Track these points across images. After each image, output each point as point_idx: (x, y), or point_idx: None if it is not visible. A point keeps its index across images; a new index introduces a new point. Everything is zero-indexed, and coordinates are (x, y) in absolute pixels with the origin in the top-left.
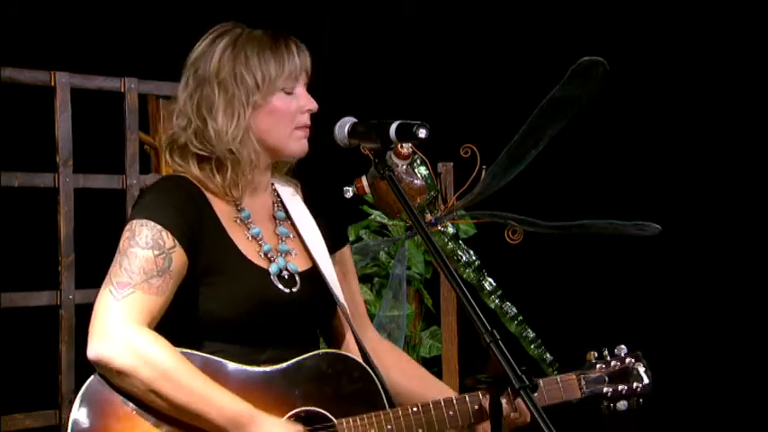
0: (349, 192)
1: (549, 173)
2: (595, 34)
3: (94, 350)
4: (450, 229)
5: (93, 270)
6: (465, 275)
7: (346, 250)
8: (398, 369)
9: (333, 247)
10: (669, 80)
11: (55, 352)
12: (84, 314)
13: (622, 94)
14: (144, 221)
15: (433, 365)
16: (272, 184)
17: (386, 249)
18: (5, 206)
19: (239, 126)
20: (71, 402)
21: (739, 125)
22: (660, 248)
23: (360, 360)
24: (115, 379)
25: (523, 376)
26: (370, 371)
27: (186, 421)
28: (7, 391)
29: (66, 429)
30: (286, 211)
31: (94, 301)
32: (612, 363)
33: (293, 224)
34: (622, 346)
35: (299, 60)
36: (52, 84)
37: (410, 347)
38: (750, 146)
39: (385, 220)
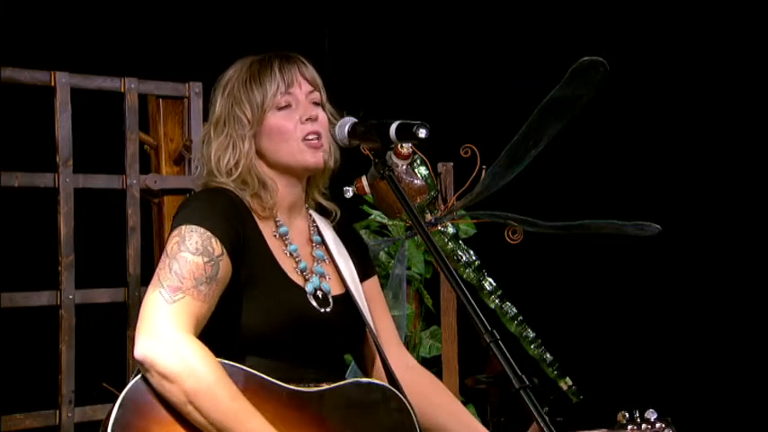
0: (349, 192)
1: (549, 173)
2: (595, 34)
3: (142, 349)
4: (450, 229)
5: (93, 270)
6: (465, 275)
7: (375, 280)
8: (427, 399)
9: (363, 276)
10: (669, 80)
11: (55, 352)
12: (84, 314)
13: (623, 94)
14: (194, 227)
15: (433, 365)
16: (308, 210)
17: (386, 249)
18: (5, 206)
19: (237, 157)
20: (71, 402)
21: (739, 125)
22: (660, 248)
23: (396, 391)
24: (157, 382)
25: (523, 376)
26: (408, 404)
27: None
28: (7, 391)
29: (107, 428)
30: (321, 237)
31: (94, 301)
32: (643, 426)
33: (328, 250)
34: (651, 410)
35: (282, 75)
36: (52, 84)
37: (410, 347)
38: (750, 146)
39: (385, 220)
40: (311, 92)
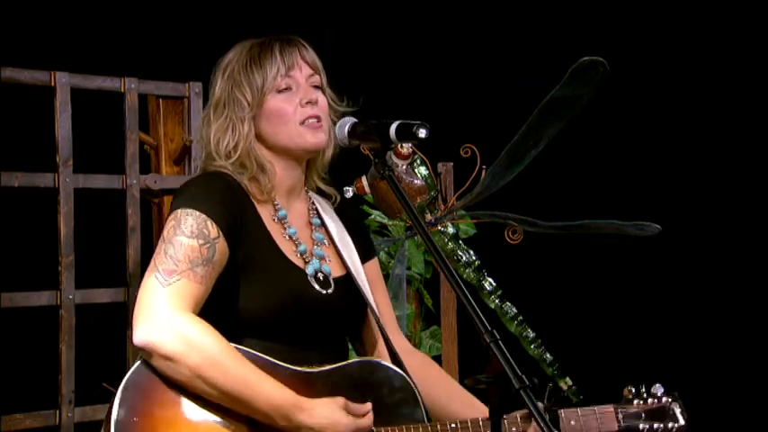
0: (349, 192)
1: (549, 173)
2: (595, 34)
3: (142, 335)
4: (450, 229)
5: (93, 270)
6: (465, 275)
7: (375, 262)
8: (426, 379)
9: (363, 258)
10: (669, 80)
11: (55, 352)
12: (84, 314)
13: (623, 94)
14: (189, 211)
15: None
16: (308, 193)
17: (386, 249)
18: (5, 206)
19: (236, 140)
20: (71, 402)
21: (739, 125)
22: (660, 248)
23: (399, 370)
24: (161, 365)
25: (523, 376)
26: (411, 382)
27: (231, 408)
28: (7, 391)
29: (111, 411)
30: (321, 219)
31: (94, 301)
32: (650, 401)
33: (328, 232)
34: (658, 385)
35: (282, 57)
36: (52, 84)
37: None
38: (750, 146)
39: (385, 220)
40: (311, 75)
